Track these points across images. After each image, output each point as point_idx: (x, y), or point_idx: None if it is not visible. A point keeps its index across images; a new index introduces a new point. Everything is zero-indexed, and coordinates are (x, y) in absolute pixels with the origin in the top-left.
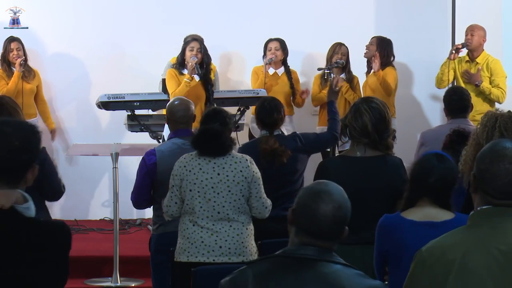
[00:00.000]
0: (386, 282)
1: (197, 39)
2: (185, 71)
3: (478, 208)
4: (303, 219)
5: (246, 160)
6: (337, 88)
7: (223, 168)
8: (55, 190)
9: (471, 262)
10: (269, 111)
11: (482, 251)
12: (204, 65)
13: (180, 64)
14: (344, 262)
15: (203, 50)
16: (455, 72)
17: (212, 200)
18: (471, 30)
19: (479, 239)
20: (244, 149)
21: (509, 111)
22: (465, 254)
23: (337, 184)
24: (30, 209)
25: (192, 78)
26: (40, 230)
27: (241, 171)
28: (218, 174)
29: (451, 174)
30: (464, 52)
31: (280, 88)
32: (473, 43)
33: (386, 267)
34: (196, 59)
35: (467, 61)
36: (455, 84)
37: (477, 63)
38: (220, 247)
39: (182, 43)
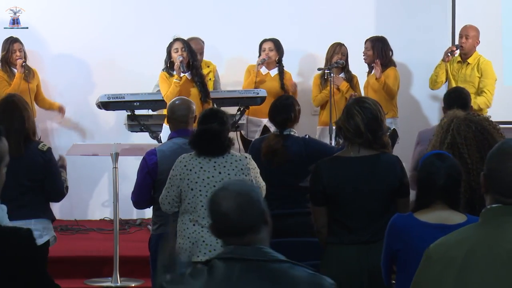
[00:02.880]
0: (394, 281)
1: (179, 39)
2: (175, 72)
3: (488, 207)
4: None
5: (246, 157)
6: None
7: (224, 166)
8: (57, 191)
9: (473, 260)
10: (279, 109)
11: (485, 249)
12: (191, 62)
13: (168, 66)
14: None
15: (187, 49)
16: (447, 72)
17: None
18: (466, 33)
19: (483, 237)
20: (252, 145)
21: (467, 113)
22: (468, 252)
23: None
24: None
25: (181, 78)
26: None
27: (241, 169)
28: (220, 172)
29: (456, 170)
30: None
31: (270, 88)
32: (467, 47)
33: (394, 265)
34: (182, 58)
35: (458, 62)
36: (447, 85)
37: (469, 63)
38: (222, 246)
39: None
